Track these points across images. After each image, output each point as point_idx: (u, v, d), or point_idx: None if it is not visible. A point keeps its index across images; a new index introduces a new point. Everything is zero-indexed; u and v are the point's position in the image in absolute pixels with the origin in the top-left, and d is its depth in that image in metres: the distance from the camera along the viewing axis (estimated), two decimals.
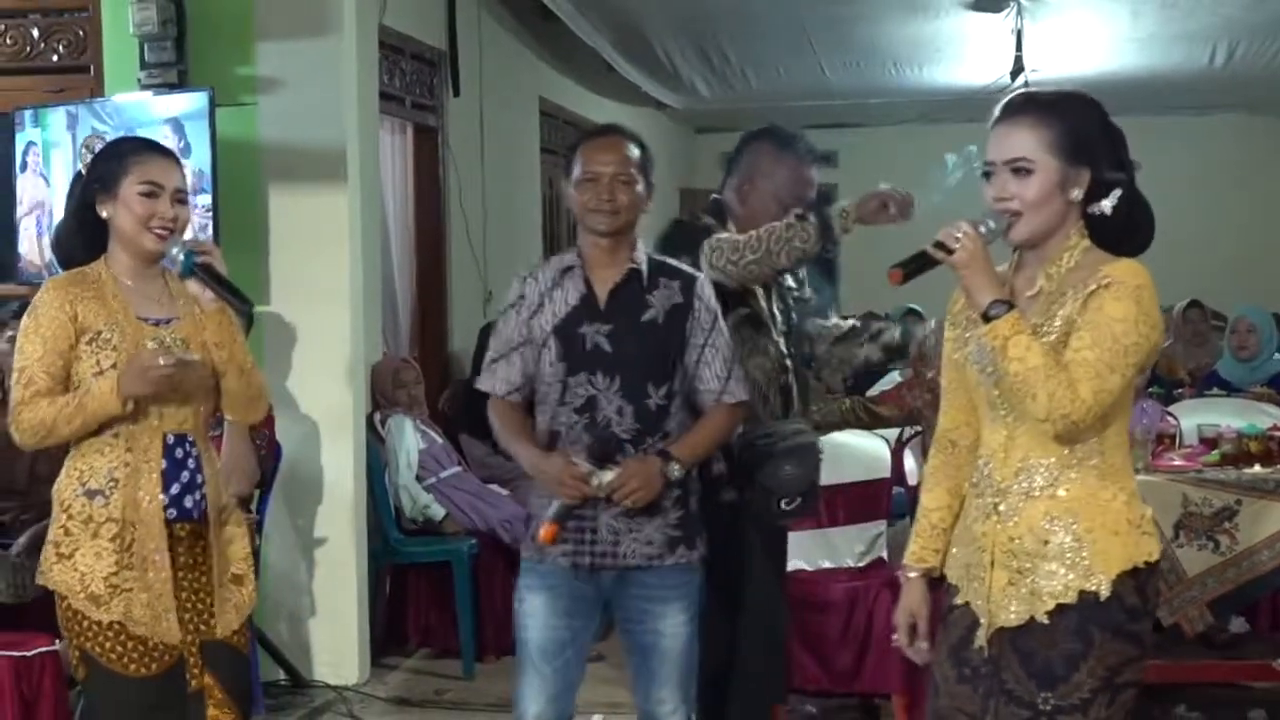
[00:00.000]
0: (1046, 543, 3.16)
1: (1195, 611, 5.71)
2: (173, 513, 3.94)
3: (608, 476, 4.01)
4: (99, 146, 4.65)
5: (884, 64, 11.60)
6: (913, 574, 3.50)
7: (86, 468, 3.92)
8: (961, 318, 3.39)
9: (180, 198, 4.02)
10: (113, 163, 4.01)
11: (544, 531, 4.05)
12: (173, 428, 3.96)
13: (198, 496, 3.99)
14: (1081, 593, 3.12)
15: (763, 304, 4.82)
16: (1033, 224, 3.20)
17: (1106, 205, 3.19)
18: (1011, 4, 9.86)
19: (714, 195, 4.95)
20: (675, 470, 4.07)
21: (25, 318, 3.95)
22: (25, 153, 6.94)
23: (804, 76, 11.93)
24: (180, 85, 6.79)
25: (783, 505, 4.60)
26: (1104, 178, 3.19)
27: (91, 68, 7.23)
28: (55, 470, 6.13)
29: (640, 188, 4.17)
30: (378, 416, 7.46)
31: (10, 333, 6.32)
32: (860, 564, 6.42)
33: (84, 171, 4.11)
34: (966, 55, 11.12)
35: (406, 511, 7.41)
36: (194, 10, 6.84)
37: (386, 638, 7.43)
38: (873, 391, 7.50)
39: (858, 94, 12.61)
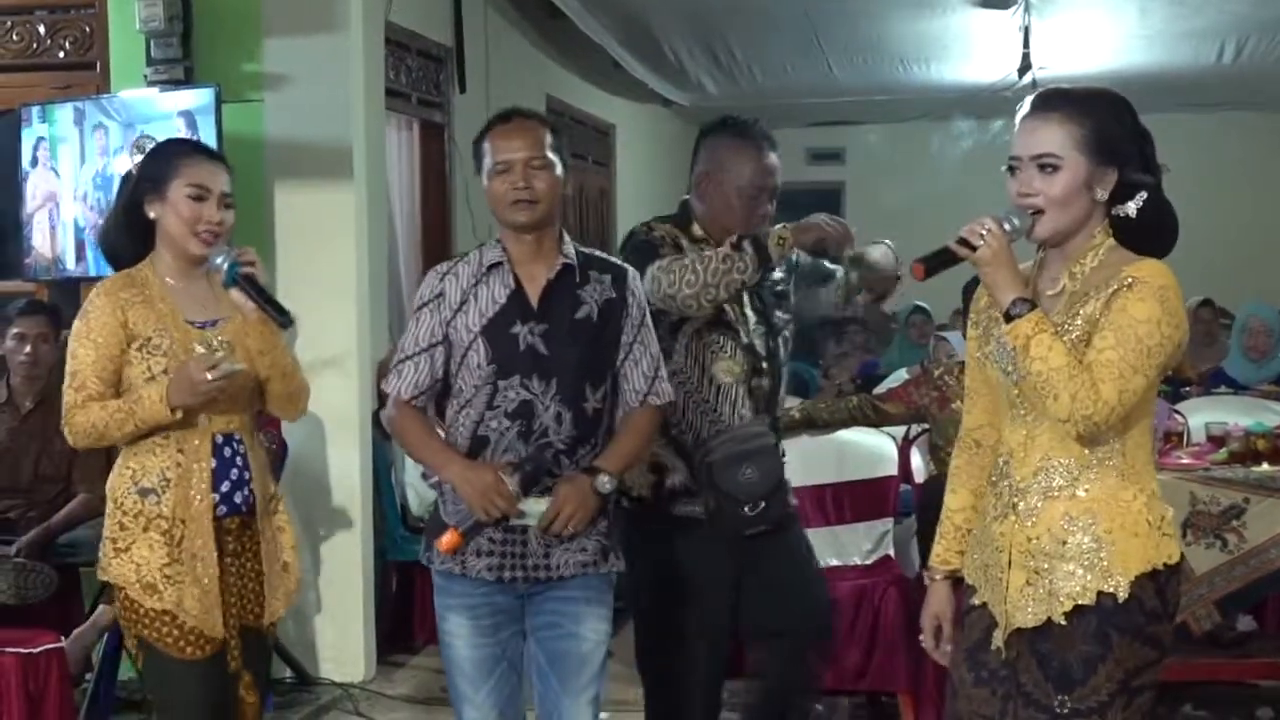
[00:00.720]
0: (1065, 543, 3.13)
1: (1203, 610, 5.71)
2: (223, 509, 4.01)
3: (540, 506, 3.79)
4: (149, 146, 4.74)
5: (891, 61, 11.59)
6: (938, 576, 3.49)
7: (139, 467, 3.98)
8: (984, 316, 3.36)
9: (227, 202, 4.06)
10: (162, 164, 4.06)
11: (446, 540, 3.82)
12: (220, 428, 4.02)
13: (245, 492, 4.06)
14: (1100, 594, 3.09)
15: (728, 306, 4.50)
16: (1056, 221, 3.16)
17: (1131, 207, 3.16)
18: (1019, 1, 9.84)
19: (683, 197, 4.72)
20: (605, 484, 3.84)
21: (77, 321, 4.00)
22: (36, 148, 6.94)
23: (811, 73, 11.92)
24: (186, 82, 6.80)
25: (747, 511, 4.42)
26: (1131, 179, 3.15)
27: (98, 64, 7.24)
28: (59, 470, 6.20)
29: (558, 171, 3.87)
30: (384, 414, 7.45)
31: (16, 329, 6.34)
32: (867, 561, 6.41)
33: (134, 171, 4.16)
34: (974, 52, 11.11)
35: (413, 509, 7.41)
36: (200, 6, 6.85)
37: (393, 635, 7.42)
38: (880, 389, 7.50)
39: (865, 91, 12.59)
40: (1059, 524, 3.14)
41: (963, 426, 3.49)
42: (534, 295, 3.88)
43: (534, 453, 3.81)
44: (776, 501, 4.48)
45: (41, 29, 7.35)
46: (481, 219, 9.04)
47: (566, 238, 3.96)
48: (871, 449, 6.45)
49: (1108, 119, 3.16)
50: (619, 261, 4.05)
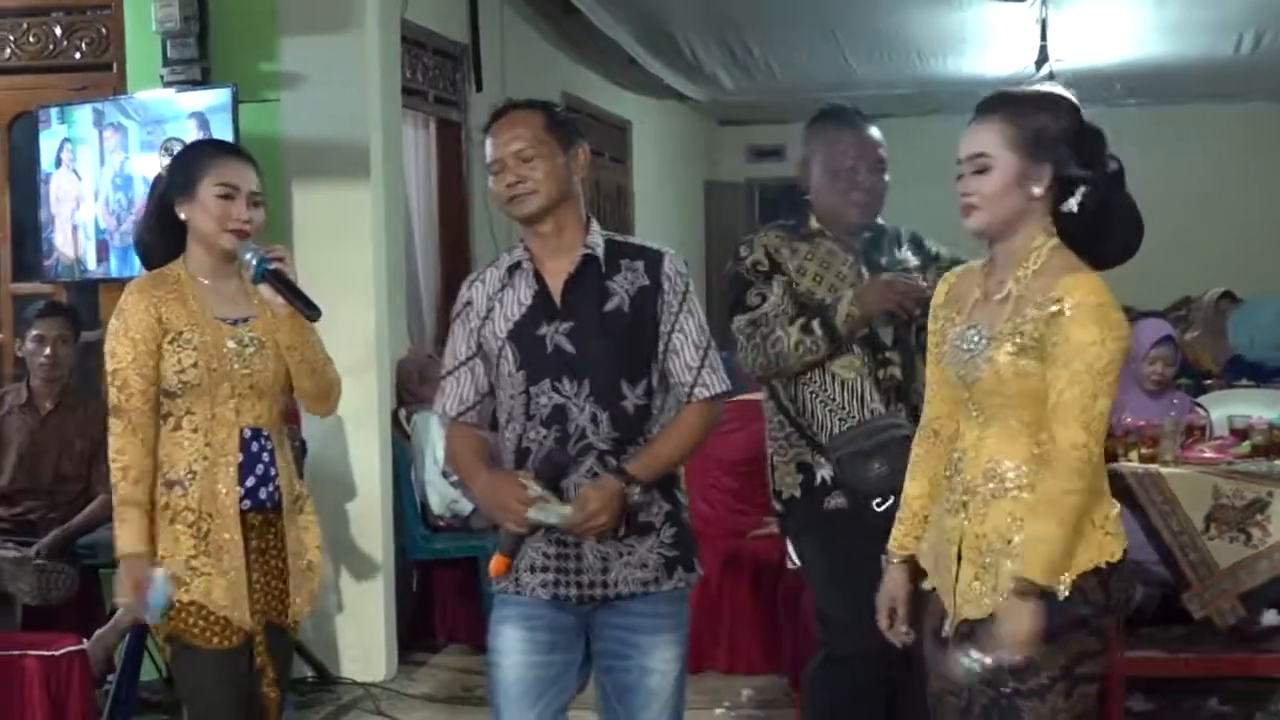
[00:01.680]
0: (1010, 541, 3.21)
1: (1227, 605, 5.66)
2: (247, 503, 4.03)
3: (564, 510, 3.54)
4: (177, 149, 4.79)
5: (909, 54, 11.57)
6: (895, 560, 3.54)
7: (166, 459, 4.00)
8: (941, 314, 3.46)
9: (256, 200, 4.09)
10: (191, 165, 4.10)
11: (493, 564, 3.67)
12: (249, 422, 4.04)
13: (271, 488, 4.08)
14: (1043, 592, 3.16)
15: None
16: (989, 215, 3.25)
17: (1073, 203, 3.22)
18: None
19: (805, 196, 4.70)
20: (635, 493, 3.59)
21: (113, 320, 4.03)
22: (60, 149, 6.94)
23: (828, 67, 11.90)
24: (203, 82, 6.80)
25: (876, 506, 4.31)
26: (1068, 174, 3.22)
27: (114, 65, 7.23)
28: (79, 471, 6.21)
29: (559, 158, 3.66)
30: (403, 412, 7.46)
31: (36, 331, 6.35)
32: None
33: (163, 173, 4.21)
34: (991, 45, 11.09)
35: (434, 507, 7.41)
36: (216, 6, 6.86)
37: (414, 634, 7.42)
38: None
39: (882, 85, 12.55)
40: (1005, 522, 3.23)
41: (923, 416, 3.56)
42: (557, 292, 3.68)
43: (550, 451, 3.63)
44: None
45: (58, 30, 7.35)
46: (500, 217, 9.04)
47: (595, 227, 3.75)
48: None
49: (1041, 117, 3.24)
50: (655, 246, 3.78)
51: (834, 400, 4.47)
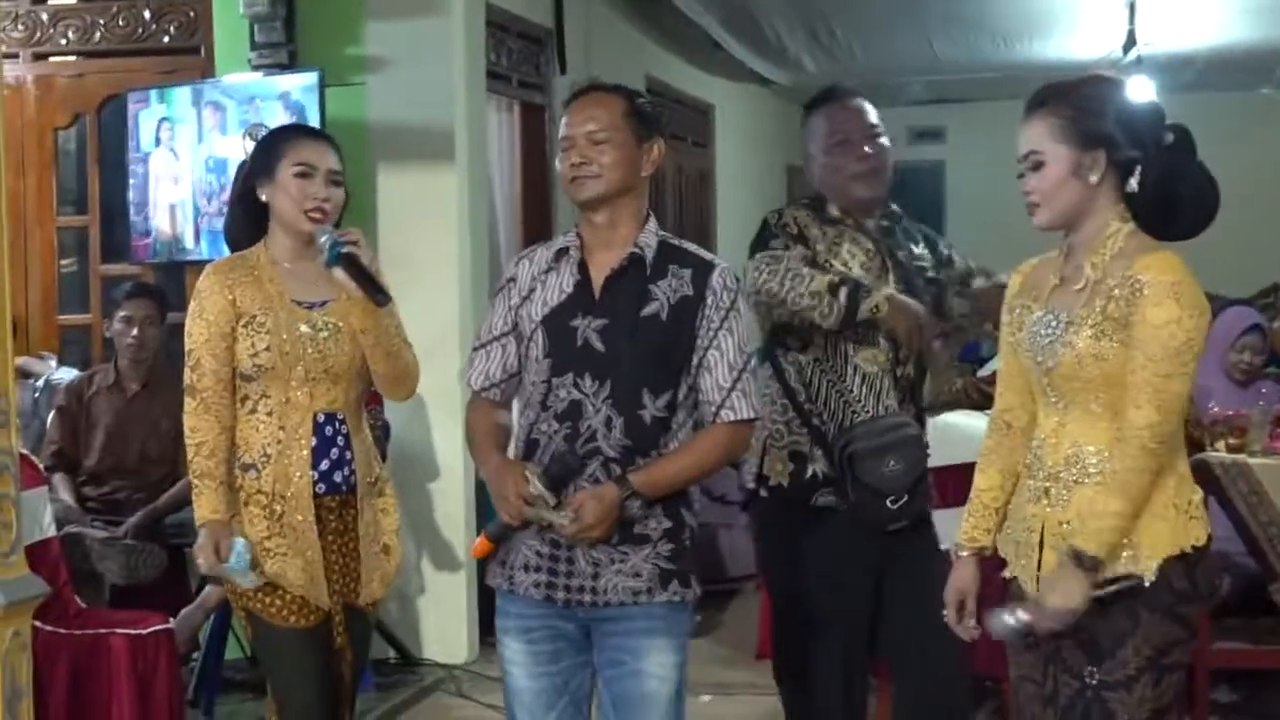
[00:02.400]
0: None
1: None
2: (321, 487, 4.06)
3: (560, 518, 3.41)
4: (261, 134, 4.78)
5: (994, 38, 11.47)
6: (964, 553, 3.51)
7: (243, 442, 4.06)
8: (1017, 303, 3.43)
9: (335, 179, 4.12)
10: (271, 148, 4.16)
11: (476, 544, 3.60)
12: (323, 406, 4.07)
13: (346, 472, 4.10)
14: (1128, 577, 3.16)
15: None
16: (1051, 210, 3.27)
17: (1133, 182, 3.23)
18: None
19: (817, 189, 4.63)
20: (635, 506, 3.44)
21: (191, 302, 4.11)
22: (158, 129, 6.99)
23: (912, 51, 11.83)
24: (290, 66, 6.84)
25: (890, 504, 4.28)
26: (1121, 157, 3.22)
27: (202, 49, 7.28)
28: (165, 452, 6.28)
29: (631, 148, 3.53)
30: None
31: (123, 312, 6.41)
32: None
33: (247, 158, 4.28)
34: (1079, 28, 10.98)
35: None
36: None
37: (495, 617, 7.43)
38: (984, 371, 7.43)
39: (966, 69, 12.48)
40: (1088, 508, 3.19)
41: (995, 408, 3.55)
42: (598, 286, 3.53)
43: (563, 452, 3.47)
44: (919, 495, 4.36)
45: (146, 14, 7.40)
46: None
47: (651, 226, 3.59)
48: (977, 432, 6.34)
49: (1085, 104, 3.25)
50: (708, 257, 3.61)
51: (851, 392, 4.36)
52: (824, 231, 4.44)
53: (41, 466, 5.69)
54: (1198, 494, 3.28)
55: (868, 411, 4.36)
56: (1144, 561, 3.16)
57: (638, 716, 3.55)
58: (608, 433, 3.47)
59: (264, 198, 4.12)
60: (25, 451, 4.81)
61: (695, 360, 3.50)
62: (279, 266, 4.11)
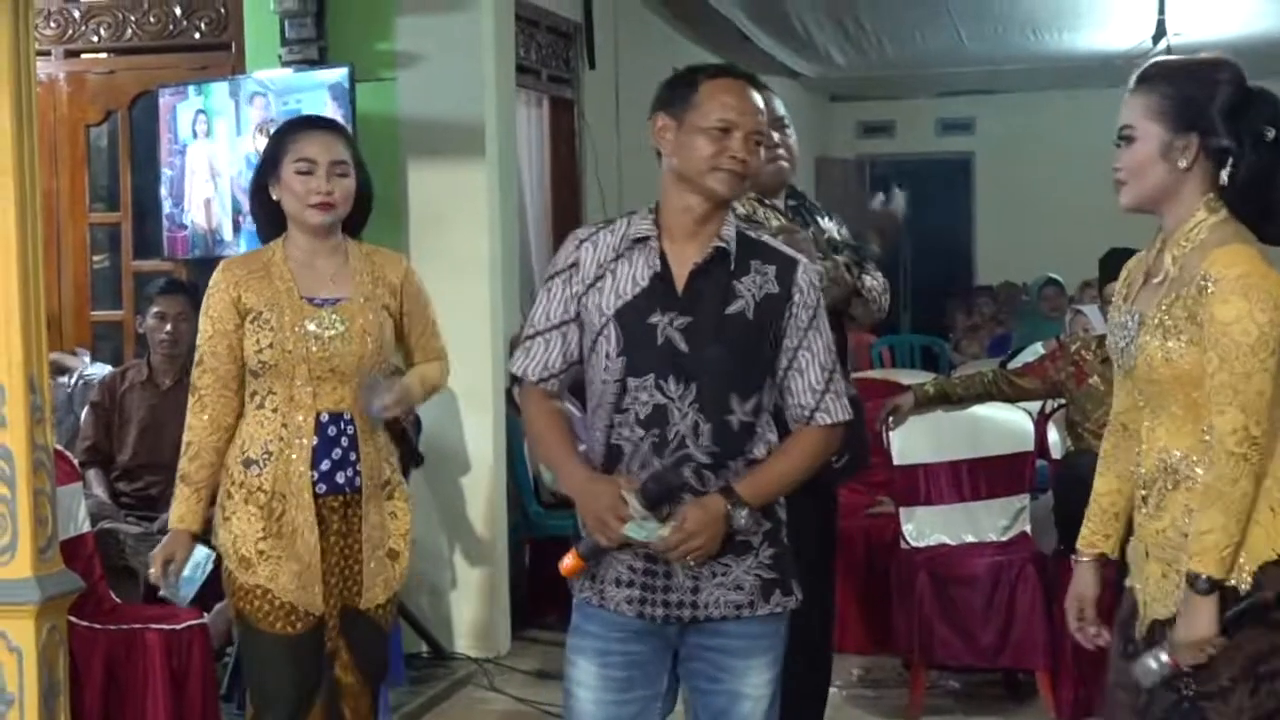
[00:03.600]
0: (1187, 535, 3.05)
1: None
2: (322, 487, 4.03)
3: (663, 531, 3.19)
4: (271, 130, 4.85)
5: (1023, 29, 11.44)
6: (1084, 559, 3.40)
7: (247, 438, 4.05)
8: (1118, 297, 3.30)
9: (340, 170, 4.10)
10: (275, 146, 4.15)
11: (566, 563, 3.34)
12: (328, 405, 4.04)
13: (350, 473, 4.06)
14: (1254, 592, 3.02)
15: None
16: (1135, 191, 3.12)
17: (1224, 175, 3.07)
18: None
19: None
20: (741, 518, 3.23)
21: (204, 298, 4.12)
22: (195, 121, 6.99)
23: (941, 43, 11.81)
24: (320, 62, 6.83)
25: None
26: (1215, 145, 3.07)
27: (233, 45, 7.31)
28: None
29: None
30: (516, 390, 7.47)
31: (156, 308, 6.42)
32: (1003, 538, 6.35)
33: (258, 157, 4.30)
34: (1109, 19, 10.95)
35: (547, 484, 7.43)
36: None
37: (527, 611, 7.44)
38: (1015, 364, 7.42)
39: (995, 60, 12.45)
40: (1181, 516, 3.07)
41: (1113, 409, 3.40)
42: (680, 281, 3.27)
43: (662, 471, 3.24)
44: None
45: (178, 10, 7.43)
46: (611, 194, 9.06)
47: (730, 218, 3.34)
48: (1007, 424, 6.37)
49: (1189, 86, 3.09)
50: (790, 252, 3.38)
51: None
52: (766, 214, 4.61)
53: (76, 462, 5.70)
54: None
55: None
56: (1239, 569, 3.01)
57: None
58: (696, 439, 3.24)
59: (275, 197, 4.12)
60: (60, 447, 4.82)
61: (785, 361, 3.32)
62: (293, 262, 4.10)
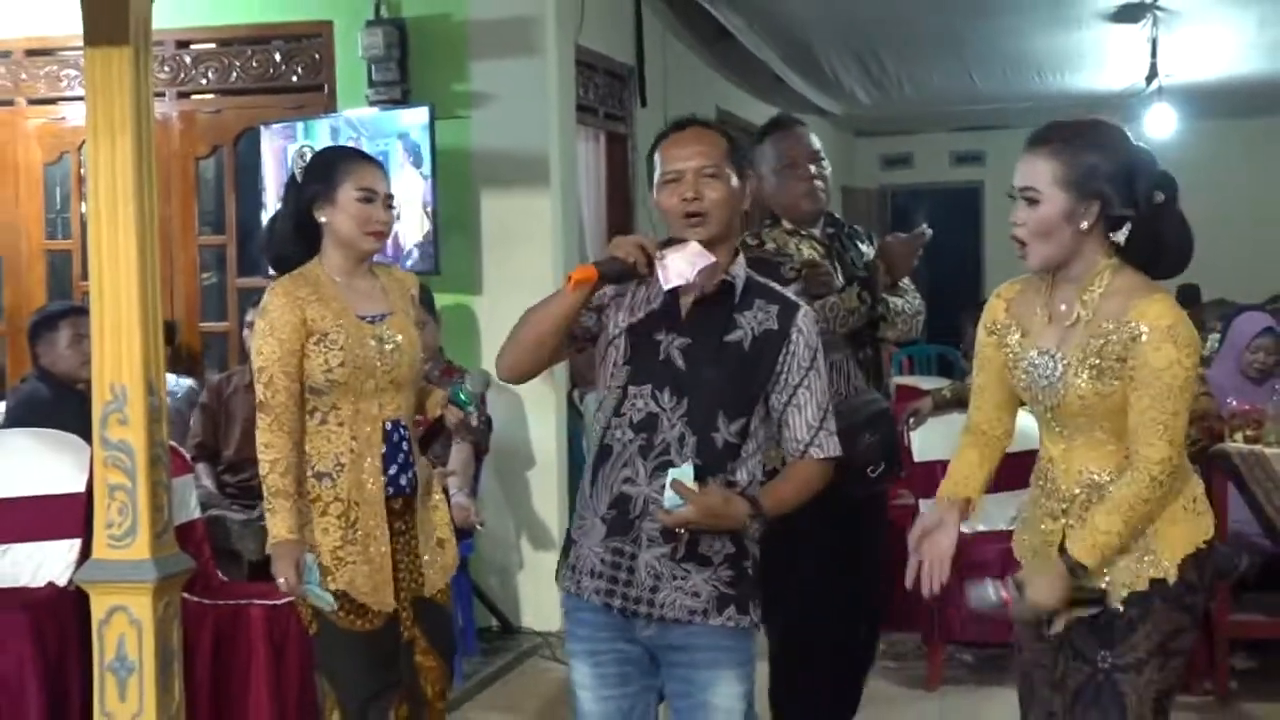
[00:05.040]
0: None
1: None
2: (390, 490, 3.94)
3: (679, 505, 3.04)
4: (310, 155, 4.59)
5: (1029, 71, 11.39)
6: (944, 503, 3.42)
7: (314, 452, 3.92)
8: (999, 328, 3.27)
9: (390, 203, 4.00)
10: (330, 171, 3.98)
11: (577, 273, 3.11)
12: (390, 414, 3.96)
13: (410, 474, 4.00)
14: (1152, 581, 3.08)
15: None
16: (1042, 253, 3.09)
17: (1120, 237, 3.06)
18: (1148, 15, 9.62)
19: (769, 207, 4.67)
20: (754, 526, 3.17)
21: (259, 320, 3.95)
22: (298, 157, 7.00)
23: (955, 84, 11.77)
24: (403, 101, 6.87)
25: (870, 473, 4.27)
26: (1114, 212, 3.05)
27: (325, 86, 7.32)
28: None
29: (733, 183, 3.21)
30: (576, 393, 7.48)
31: (250, 318, 6.42)
32: (1011, 527, 6.25)
33: (299, 179, 4.07)
34: (1106, 62, 10.89)
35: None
36: (415, 35, 6.94)
37: None
38: None
39: (1004, 99, 12.39)
40: (1090, 521, 3.08)
41: (968, 418, 3.43)
42: (685, 307, 3.20)
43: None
44: (893, 462, 4.41)
45: (277, 56, 7.46)
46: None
47: (740, 260, 3.26)
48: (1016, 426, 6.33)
49: (1090, 156, 3.05)
50: (793, 297, 3.31)
51: None
52: (799, 244, 4.55)
53: (188, 456, 5.73)
54: (1200, 487, 3.18)
55: (840, 394, 4.34)
56: (1164, 564, 3.07)
57: None
58: (680, 449, 3.15)
59: (321, 219, 3.95)
60: (173, 443, 4.86)
61: (785, 398, 3.21)
62: (337, 283, 3.96)
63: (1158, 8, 9.43)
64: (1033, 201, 3.07)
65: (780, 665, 4.62)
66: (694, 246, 3.10)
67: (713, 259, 3.12)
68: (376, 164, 4.08)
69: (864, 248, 4.71)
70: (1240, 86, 11.82)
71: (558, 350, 3.27)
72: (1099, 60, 10.89)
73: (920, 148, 15.68)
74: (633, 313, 3.23)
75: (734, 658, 3.21)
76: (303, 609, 4.03)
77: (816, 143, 4.67)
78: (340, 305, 3.92)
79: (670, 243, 3.13)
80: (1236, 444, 5.63)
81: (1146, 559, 3.08)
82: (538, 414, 7.00)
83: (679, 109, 9.41)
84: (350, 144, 6.53)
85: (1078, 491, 3.14)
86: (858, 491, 4.28)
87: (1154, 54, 10.27)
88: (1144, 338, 2.98)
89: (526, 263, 6.91)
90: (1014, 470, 6.28)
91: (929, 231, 4.63)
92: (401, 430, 3.98)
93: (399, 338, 3.97)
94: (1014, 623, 3.36)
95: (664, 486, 3.07)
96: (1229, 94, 12.10)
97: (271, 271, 6.96)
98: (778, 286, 3.34)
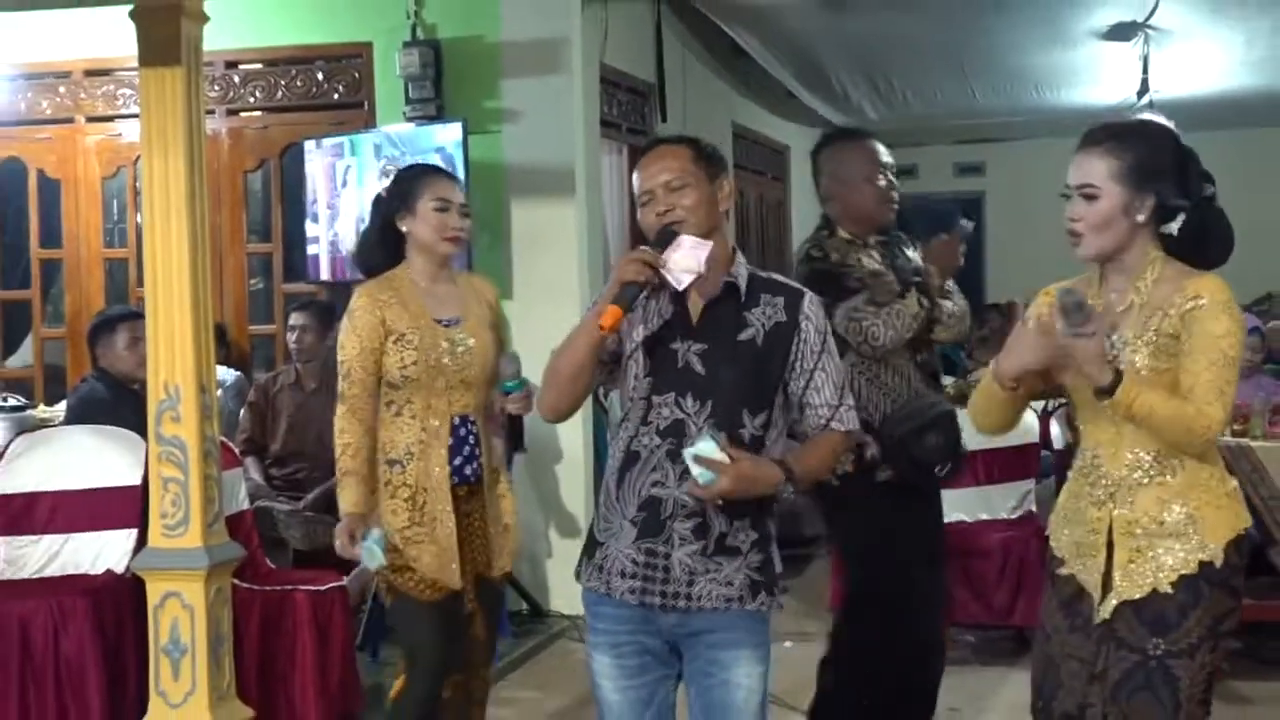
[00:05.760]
0: (1162, 522, 3.03)
1: None
2: (455, 479, 4.02)
3: (711, 480, 2.95)
4: (394, 171, 4.75)
5: (1027, 87, 11.34)
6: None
7: (388, 440, 4.01)
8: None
9: (464, 211, 4.11)
10: (410, 185, 4.10)
11: (605, 315, 3.02)
12: (459, 410, 4.03)
13: (476, 465, 4.07)
14: (1200, 563, 3.02)
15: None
16: (1097, 243, 3.07)
17: (1174, 227, 3.06)
18: (1139, 34, 9.58)
19: (823, 212, 4.61)
20: (788, 490, 3.11)
21: (344, 320, 4.04)
22: (345, 173, 7.04)
23: (957, 98, 11.72)
24: (438, 117, 6.89)
25: (939, 472, 4.32)
26: (1169, 203, 3.05)
27: (365, 104, 7.34)
28: None
29: (706, 188, 3.16)
30: (601, 391, 7.47)
31: (291, 322, 6.49)
32: (1013, 516, 6.35)
33: (383, 194, 4.20)
34: (1100, 78, 10.84)
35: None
36: (449, 55, 6.95)
37: None
38: None
39: (1004, 113, 12.35)
40: (1155, 505, 3.04)
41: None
42: (695, 313, 3.15)
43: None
44: (958, 461, 4.40)
45: (319, 75, 7.47)
46: None
47: (740, 259, 3.21)
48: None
49: (1146, 151, 3.06)
50: (796, 285, 3.26)
51: (886, 384, 4.35)
52: (859, 255, 4.46)
53: (237, 451, 5.75)
54: (1234, 482, 3.13)
55: (902, 397, 4.35)
56: (1210, 548, 3.01)
57: None
58: None
59: (404, 228, 4.06)
60: (223, 438, 4.87)
61: (802, 383, 3.16)
62: (419, 287, 4.06)
63: (1149, 27, 9.39)
64: (1091, 197, 3.06)
65: (862, 663, 4.45)
66: (687, 239, 3.08)
67: (709, 243, 3.08)
68: (451, 177, 4.23)
69: (910, 253, 4.61)
70: (1228, 100, 11.76)
71: (591, 383, 3.23)
72: (1094, 76, 10.84)
73: (924, 159, 15.60)
74: (646, 325, 3.17)
75: (754, 639, 3.16)
76: (379, 582, 4.11)
77: (887, 154, 4.60)
78: (418, 308, 4.02)
79: (664, 245, 3.09)
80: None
81: (1193, 541, 3.01)
82: None
83: (697, 123, 9.44)
84: (397, 160, 6.56)
85: (1126, 472, 3.07)
86: (931, 487, 4.35)
87: (1145, 70, 10.22)
88: (1204, 306, 2.97)
89: (554, 268, 6.92)
90: (1016, 462, 6.37)
91: (969, 225, 4.59)
92: (469, 425, 4.06)
93: (471, 341, 4.05)
94: (1043, 614, 3.24)
95: (693, 478, 2.97)
96: (1218, 107, 12.03)
97: (322, 276, 7.12)
98: (777, 276, 3.29)
